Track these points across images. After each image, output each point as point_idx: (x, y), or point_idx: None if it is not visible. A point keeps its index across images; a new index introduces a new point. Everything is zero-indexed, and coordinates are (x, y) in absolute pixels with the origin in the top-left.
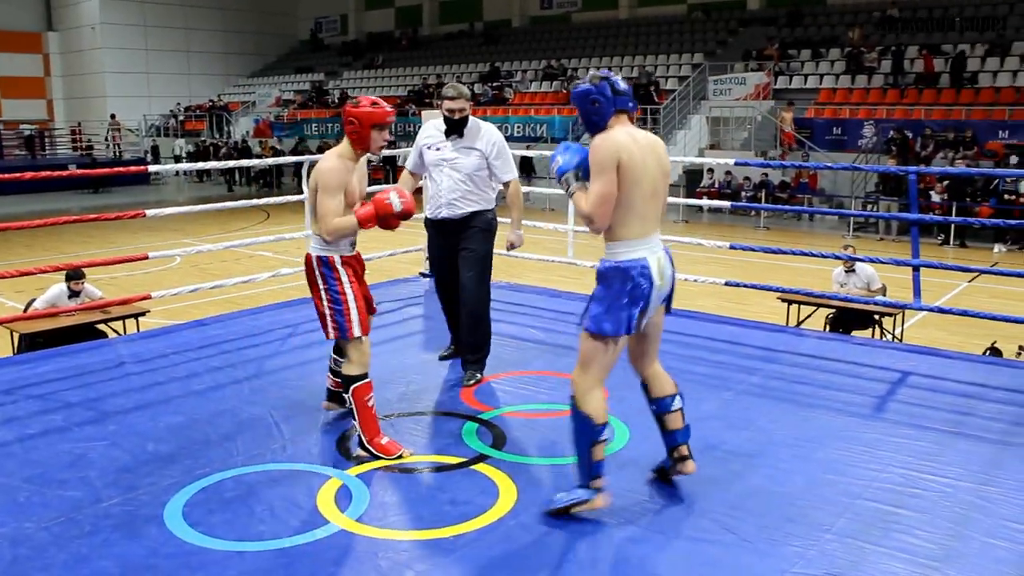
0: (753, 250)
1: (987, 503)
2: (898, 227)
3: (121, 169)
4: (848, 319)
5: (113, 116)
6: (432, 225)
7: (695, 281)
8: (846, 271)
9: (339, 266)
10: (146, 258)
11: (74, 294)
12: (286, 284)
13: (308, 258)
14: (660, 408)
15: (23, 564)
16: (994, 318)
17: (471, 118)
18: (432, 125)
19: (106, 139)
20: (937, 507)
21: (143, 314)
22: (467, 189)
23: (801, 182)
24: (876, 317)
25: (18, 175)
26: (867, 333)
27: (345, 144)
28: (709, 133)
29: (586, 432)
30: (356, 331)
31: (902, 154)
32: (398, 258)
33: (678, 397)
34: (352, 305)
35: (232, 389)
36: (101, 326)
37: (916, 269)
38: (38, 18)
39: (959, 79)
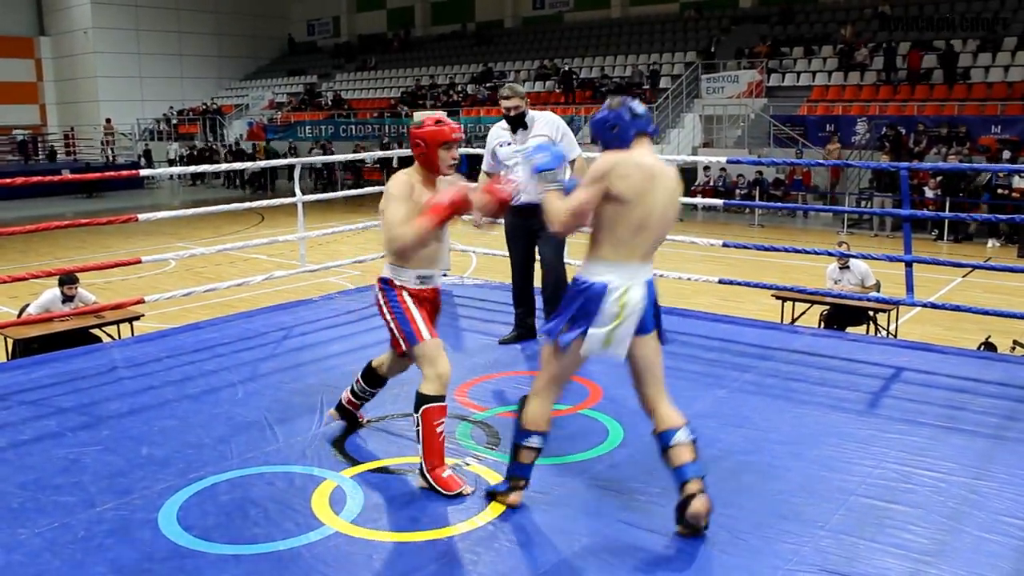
0: (747, 248)
1: (980, 498)
2: (892, 223)
3: (113, 174)
4: (842, 316)
5: (108, 120)
6: (513, 212)
7: (689, 279)
8: (840, 268)
9: (400, 288)
10: (139, 262)
11: (68, 299)
12: (280, 287)
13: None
14: (661, 441)
15: (17, 570)
16: (988, 313)
17: (530, 111)
18: (498, 127)
19: (102, 143)
20: (931, 502)
21: (137, 318)
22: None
23: (795, 179)
24: (870, 313)
25: (10, 180)
26: (861, 329)
27: (416, 167)
28: (703, 131)
29: (514, 432)
30: (424, 333)
31: (895, 150)
32: None
33: (682, 430)
34: (416, 313)
35: (226, 392)
36: (95, 331)
37: (909, 265)
38: (30, 23)
39: (952, 75)
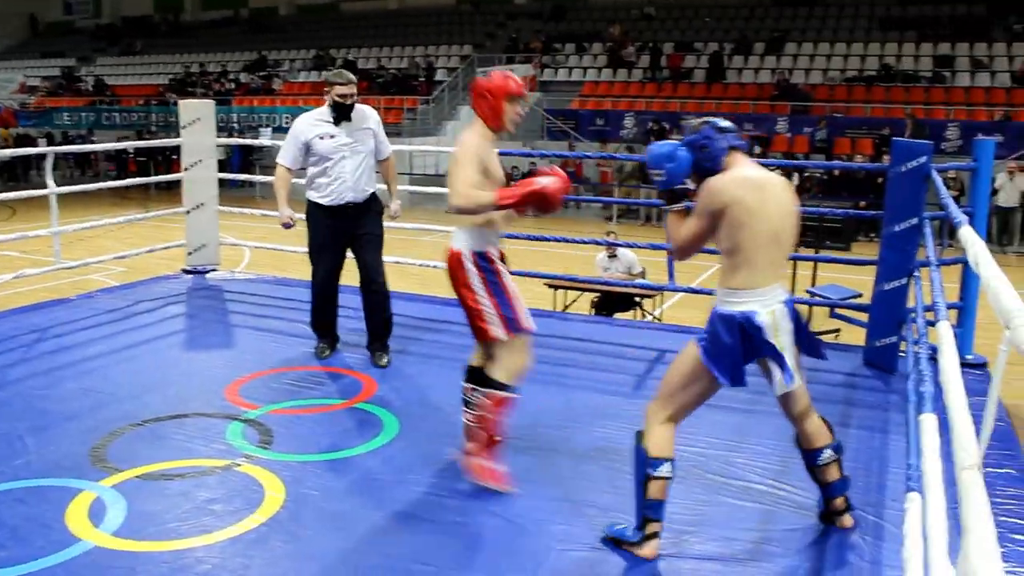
0: (518, 237)
1: (735, 468)
2: (658, 213)
3: None
4: (611, 302)
5: None
6: (331, 212)
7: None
8: (609, 256)
9: (497, 260)
10: None
11: None
12: (34, 286)
13: (455, 256)
14: (809, 461)
15: None
16: None
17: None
18: (311, 116)
19: None
20: (691, 476)
21: None
22: (368, 169)
23: (568, 171)
24: (637, 299)
25: None
26: (629, 315)
27: (479, 124)
28: None
29: (639, 464)
30: (525, 321)
31: None
32: (159, 255)
33: (828, 450)
34: (518, 297)
35: None
36: None
37: (670, 253)
38: None
39: (714, 75)
